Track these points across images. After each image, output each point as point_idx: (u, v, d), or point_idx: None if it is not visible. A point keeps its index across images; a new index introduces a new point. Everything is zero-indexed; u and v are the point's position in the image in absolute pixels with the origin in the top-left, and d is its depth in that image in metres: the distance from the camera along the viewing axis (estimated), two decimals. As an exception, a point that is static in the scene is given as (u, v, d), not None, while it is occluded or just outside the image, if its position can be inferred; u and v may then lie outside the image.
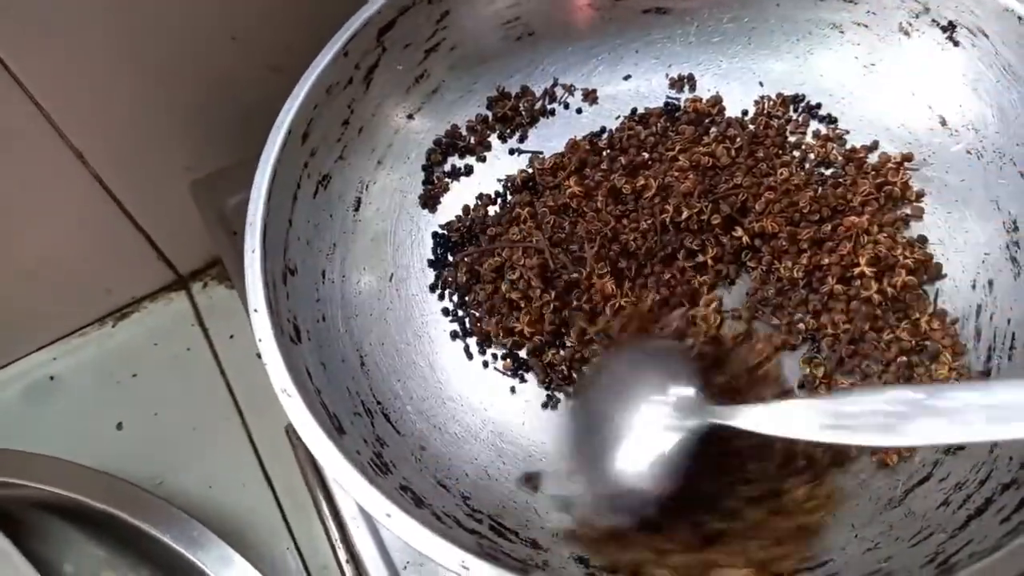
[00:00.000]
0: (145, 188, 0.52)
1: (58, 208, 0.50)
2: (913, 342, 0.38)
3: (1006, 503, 0.31)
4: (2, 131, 0.44)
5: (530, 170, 0.45)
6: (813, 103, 0.45)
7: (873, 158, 0.43)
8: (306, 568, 0.47)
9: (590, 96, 0.47)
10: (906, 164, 0.43)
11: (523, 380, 0.40)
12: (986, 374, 0.37)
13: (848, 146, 0.44)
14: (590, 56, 0.47)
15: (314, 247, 0.40)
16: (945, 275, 0.40)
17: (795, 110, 0.46)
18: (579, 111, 0.47)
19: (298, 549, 0.48)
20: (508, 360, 0.40)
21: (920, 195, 0.42)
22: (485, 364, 0.40)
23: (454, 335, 0.41)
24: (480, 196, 0.45)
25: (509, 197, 0.45)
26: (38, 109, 0.44)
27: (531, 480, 0.36)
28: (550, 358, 0.39)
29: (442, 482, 0.36)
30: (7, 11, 0.40)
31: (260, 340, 0.34)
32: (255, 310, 0.34)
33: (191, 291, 0.58)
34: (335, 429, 0.33)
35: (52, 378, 0.55)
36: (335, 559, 0.40)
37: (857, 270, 0.40)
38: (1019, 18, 0.39)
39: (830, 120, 0.45)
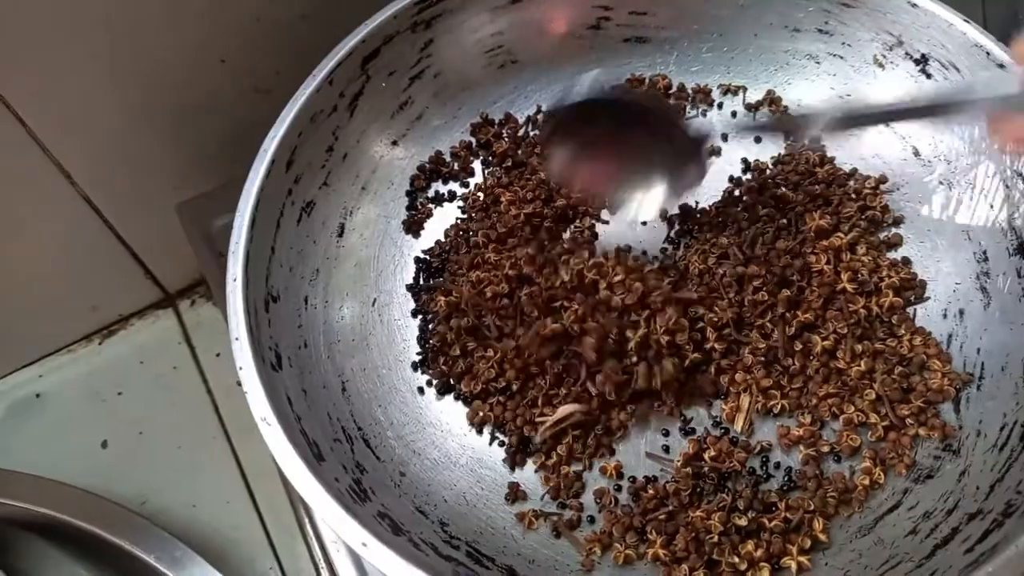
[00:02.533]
0: (133, 207, 0.52)
1: (45, 226, 0.50)
2: (903, 356, 0.39)
3: (971, 533, 0.32)
4: (-11, 152, 0.44)
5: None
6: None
7: (851, 184, 0.44)
8: (289, 588, 0.47)
9: (572, 122, 0.48)
10: (881, 187, 0.44)
11: (502, 406, 0.40)
12: (956, 403, 0.38)
13: (827, 167, 0.45)
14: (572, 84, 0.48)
15: (297, 273, 0.40)
16: (928, 297, 0.41)
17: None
18: (561, 137, 0.48)
19: (282, 569, 0.48)
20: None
21: (898, 221, 0.43)
22: (465, 389, 0.41)
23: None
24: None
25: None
26: (25, 129, 0.44)
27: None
28: (486, 411, 0.39)
29: (421, 508, 0.36)
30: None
31: (241, 368, 0.34)
32: (236, 338, 0.35)
33: (178, 309, 0.58)
34: (315, 456, 0.34)
35: (38, 395, 0.55)
36: (318, 580, 0.40)
37: (839, 286, 0.40)
38: (988, 53, 0.39)
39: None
